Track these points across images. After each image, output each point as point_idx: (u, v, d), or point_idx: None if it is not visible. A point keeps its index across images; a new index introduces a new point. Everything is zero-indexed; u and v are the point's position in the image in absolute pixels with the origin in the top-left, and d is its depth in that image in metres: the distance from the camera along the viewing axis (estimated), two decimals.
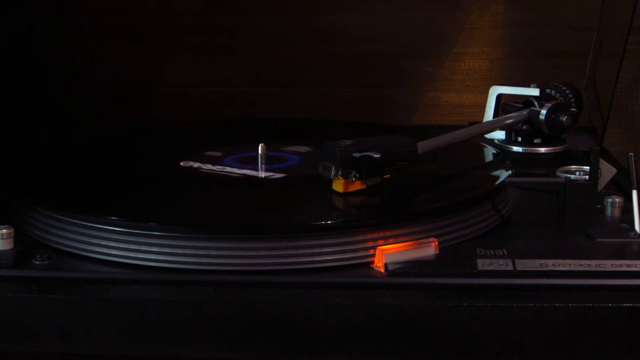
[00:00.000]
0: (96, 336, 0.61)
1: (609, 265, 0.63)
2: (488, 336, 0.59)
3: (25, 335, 0.61)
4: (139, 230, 0.65)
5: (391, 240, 0.66)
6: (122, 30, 1.17)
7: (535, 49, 1.13)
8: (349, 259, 0.65)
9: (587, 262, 0.64)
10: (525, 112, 0.94)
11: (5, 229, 0.66)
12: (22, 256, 0.66)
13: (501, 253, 0.65)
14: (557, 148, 0.94)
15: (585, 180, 0.73)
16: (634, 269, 0.63)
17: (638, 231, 0.69)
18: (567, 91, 0.95)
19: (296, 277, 0.63)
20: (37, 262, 0.65)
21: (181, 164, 0.84)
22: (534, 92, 0.95)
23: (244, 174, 0.81)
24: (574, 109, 0.94)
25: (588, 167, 0.73)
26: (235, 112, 1.20)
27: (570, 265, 0.63)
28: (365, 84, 1.18)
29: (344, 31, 1.15)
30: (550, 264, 0.63)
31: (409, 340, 0.59)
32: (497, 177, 0.79)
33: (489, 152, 0.91)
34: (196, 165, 0.84)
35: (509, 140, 0.96)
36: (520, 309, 0.59)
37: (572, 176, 0.79)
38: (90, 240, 0.67)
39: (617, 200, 0.75)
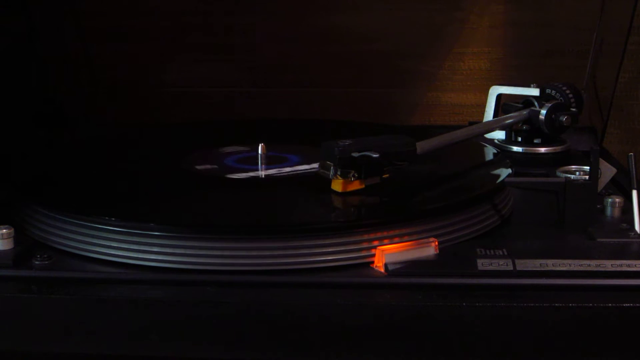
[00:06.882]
0: (96, 336, 0.61)
1: (609, 265, 0.63)
2: (488, 336, 0.59)
3: (26, 335, 0.61)
4: (139, 230, 0.65)
5: (392, 240, 0.66)
6: (122, 30, 1.17)
7: (535, 49, 1.13)
8: (349, 259, 0.65)
9: (587, 262, 0.64)
10: (525, 112, 0.94)
11: (5, 229, 0.66)
12: (22, 256, 0.66)
13: (501, 253, 0.65)
14: (557, 148, 0.94)
15: (585, 180, 0.73)
16: (634, 269, 0.63)
17: (638, 231, 0.69)
18: (567, 91, 0.95)
19: (296, 277, 0.63)
20: (37, 262, 0.65)
21: (181, 164, 0.84)
22: (534, 92, 0.95)
23: (244, 174, 0.81)
24: (574, 109, 0.94)
25: (588, 167, 0.73)
26: (235, 112, 1.20)
27: (570, 265, 0.63)
28: (365, 84, 1.18)
29: (344, 31, 1.15)
30: (550, 264, 0.63)
31: (409, 340, 0.59)
32: (497, 177, 0.78)
33: (489, 152, 0.91)
34: (196, 165, 0.84)
35: (509, 140, 0.96)
36: (520, 309, 0.59)
37: (572, 176, 0.79)
38: (90, 240, 0.67)
39: (617, 200, 0.75)
